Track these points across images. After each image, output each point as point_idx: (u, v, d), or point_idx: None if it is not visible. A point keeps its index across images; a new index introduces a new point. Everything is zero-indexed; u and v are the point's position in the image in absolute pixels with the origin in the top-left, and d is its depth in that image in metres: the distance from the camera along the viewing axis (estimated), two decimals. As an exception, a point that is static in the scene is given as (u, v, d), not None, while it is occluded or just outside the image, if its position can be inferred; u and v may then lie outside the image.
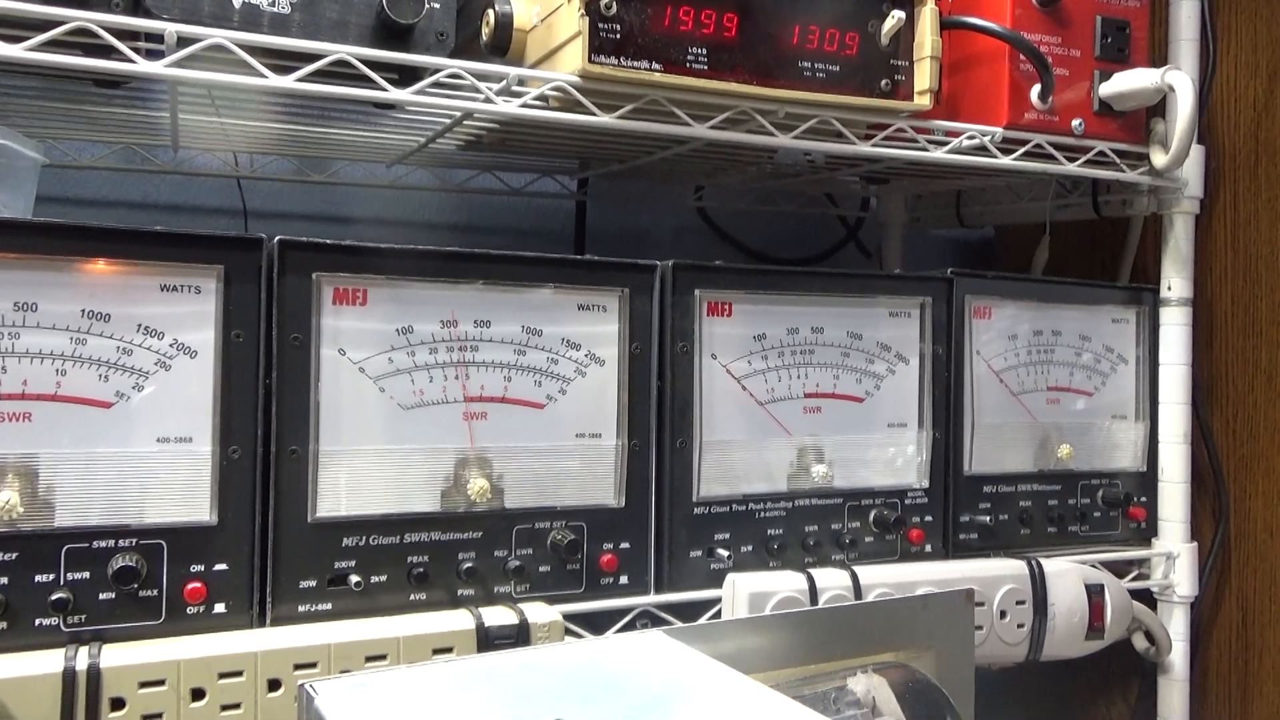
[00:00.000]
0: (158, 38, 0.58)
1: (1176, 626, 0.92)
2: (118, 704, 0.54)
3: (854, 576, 0.73)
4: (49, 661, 0.54)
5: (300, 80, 0.61)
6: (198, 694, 0.56)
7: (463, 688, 0.39)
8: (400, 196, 1.06)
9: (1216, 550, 0.95)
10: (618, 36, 0.65)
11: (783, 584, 0.71)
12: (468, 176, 1.05)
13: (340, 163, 1.00)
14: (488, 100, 0.66)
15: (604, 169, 0.99)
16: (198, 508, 0.60)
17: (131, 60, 0.57)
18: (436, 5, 0.64)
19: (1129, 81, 0.82)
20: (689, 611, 0.73)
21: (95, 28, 0.56)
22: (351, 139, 0.89)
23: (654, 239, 1.16)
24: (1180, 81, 0.80)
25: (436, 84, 0.64)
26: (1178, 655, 0.92)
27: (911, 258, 1.21)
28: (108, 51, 0.57)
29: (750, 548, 0.75)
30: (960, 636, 0.54)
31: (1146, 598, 0.92)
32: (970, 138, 0.79)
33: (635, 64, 0.66)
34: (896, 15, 0.72)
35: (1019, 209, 1.07)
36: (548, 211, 1.11)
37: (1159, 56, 0.92)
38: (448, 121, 0.77)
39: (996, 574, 0.78)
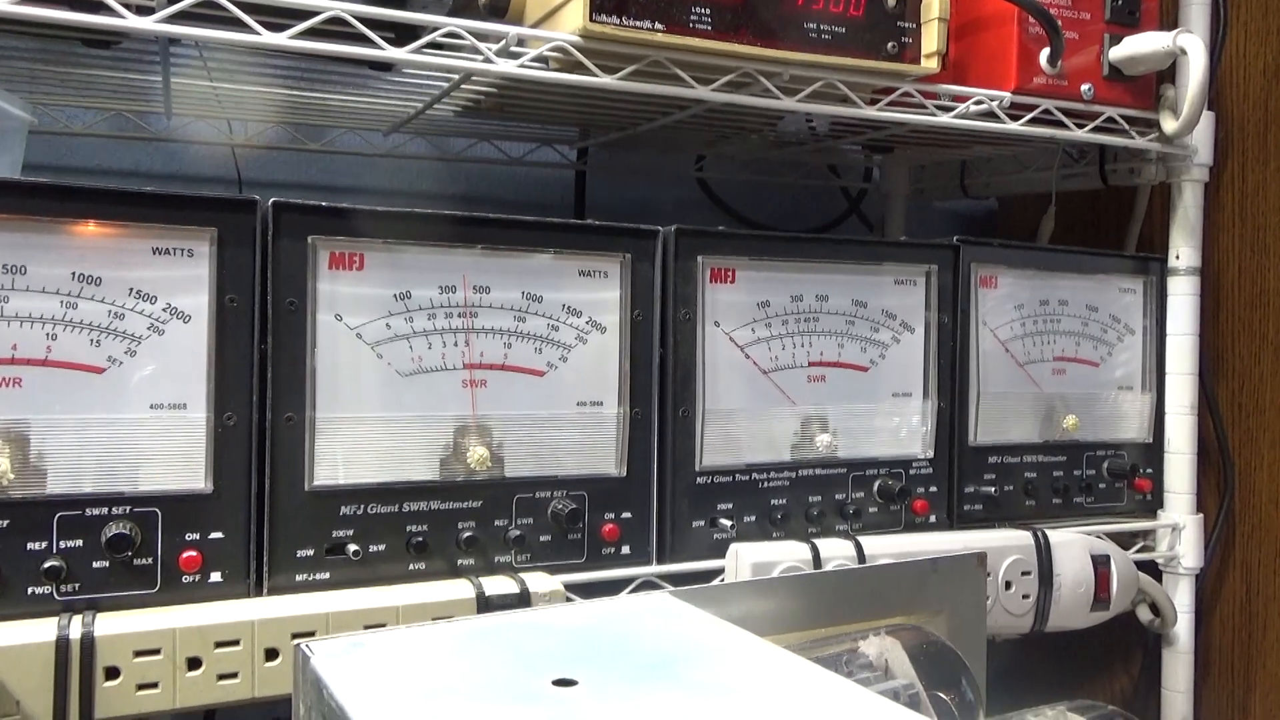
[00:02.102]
0: (148, -8, 0.56)
1: (1181, 598, 0.91)
2: (112, 673, 0.54)
3: (858, 547, 0.73)
4: (42, 630, 0.53)
5: (294, 37, 0.59)
6: (194, 663, 0.55)
7: (464, 648, 0.38)
8: (397, 166, 1.04)
9: (1221, 522, 0.94)
10: (619, -5, 0.63)
11: (786, 554, 0.71)
12: (466, 145, 1.03)
13: (336, 131, 0.98)
14: (487, 61, 0.64)
15: (604, 137, 0.97)
16: (192, 475, 0.59)
17: (121, 16, 0.56)
18: (434, -38, 0.62)
19: (1140, 45, 0.80)
20: (691, 582, 0.71)
21: (83, -19, 0.55)
22: (347, 105, 0.87)
23: (654, 210, 1.15)
24: (1192, 44, 0.78)
25: (434, 44, 0.63)
26: (1182, 627, 0.91)
27: (914, 229, 1.19)
28: (96, 7, 0.55)
29: (753, 518, 0.74)
30: (971, 601, 0.53)
31: (1151, 569, 0.91)
32: (978, 103, 0.78)
33: (637, 23, 0.64)
34: (904, -25, 0.70)
35: (1024, 179, 1.06)
36: (547, 181, 1.10)
37: (1169, 21, 0.90)
38: (445, 85, 0.75)
39: (1002, 545, 0.77)
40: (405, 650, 0.37)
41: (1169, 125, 0.84)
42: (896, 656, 0.45)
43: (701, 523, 0.72)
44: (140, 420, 0.58)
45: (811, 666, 0.35)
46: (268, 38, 0.59)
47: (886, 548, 0.73)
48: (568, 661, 0.36)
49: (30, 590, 0.55)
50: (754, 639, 0.38)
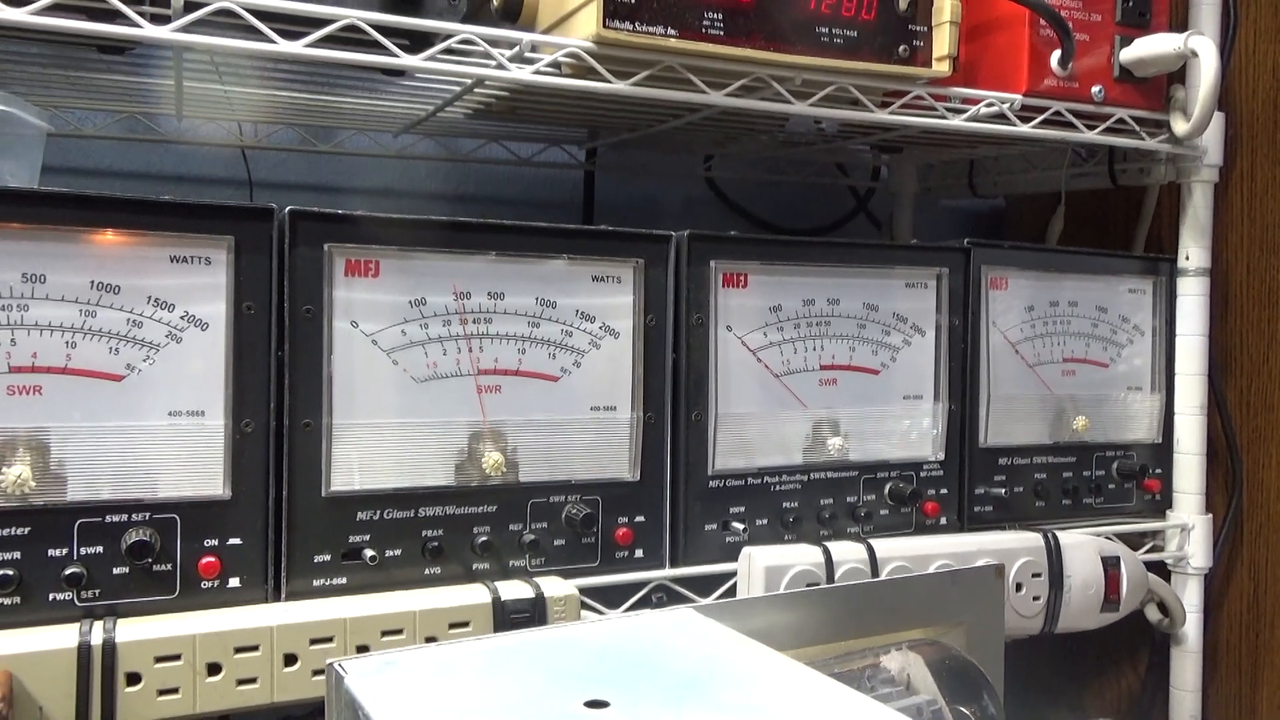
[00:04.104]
0: (164, 1, 0.56)
1: (1190, 598, 0.91)
2: (133, 679, 0.54)
3: (870, 550, 0.73)
4: (63, 636, 0.54)
5: (309, 46, 0.59)
6: (213, 668, 0.56)
7: (494, 666, 0.39)
8: (406, 167, 1.04)
9: (1229, 521, 0.94)
10: (633, 1, 0.64)
11: (799, 557, 0.71)
12: (475, 146, 1.03)
13: (346, 132, 0.98)
14: (500, 67, 0.65)
15: (614, 138, 0.97)
16: (211, 482, 0.59)
17: (137, 25, 0.56)
18: (448, -31, 0.62)
19: (1150, 47, 0.80)
20: (704, 585, 0.72)
21: (100, -8, 0.55)
22: (358, 108, 0.87)
23: (663, 209, 1.15)
24: (1203, 46, 0.78)
25: (448, 50, 0.63)
26: (1191, 626, 0.91)
27: (922, 228, 1.19)
28: (113, 16, 0.56)
29: (765, 521, 0.74)
30: (990, 612, 0.53)
31: (1160, 569, 0.91)
32: (989, 105, 0.78)
33: (650, 29, 0.64)
34: (916, -21, 0.70)
35: (1033, 178, 1.06)
36: (555, 182, 1.10)
37: (1178, 21, 0.90)
38: (458, 89, 0.75)
39: (1013, 547, 0.77)
40: (437, 669, 0.37)
41: (1180, 127, 0.84)
42: (918, 672, 0.46)
43: (714, 526, 0.73)
44: (159, 427, 0.58)
45: (838, 687, 0.35)
46: (284, 46, 0.59)
47: (898, 550, 0.74)
48: (598, 681, 0.36)
49: (51, 596, 0.56)
50: (781, 658, 0.38)
